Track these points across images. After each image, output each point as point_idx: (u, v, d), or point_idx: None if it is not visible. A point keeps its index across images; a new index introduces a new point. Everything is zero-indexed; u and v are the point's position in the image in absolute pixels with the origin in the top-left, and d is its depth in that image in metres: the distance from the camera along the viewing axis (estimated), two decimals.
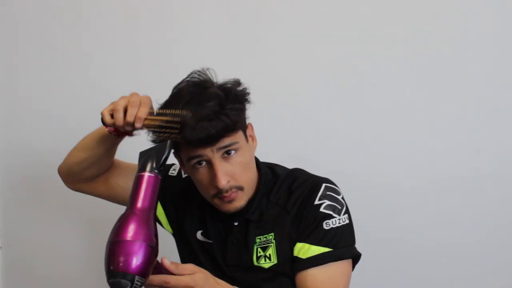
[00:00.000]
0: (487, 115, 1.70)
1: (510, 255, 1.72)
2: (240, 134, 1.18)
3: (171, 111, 1.12)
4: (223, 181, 1.14)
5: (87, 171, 1.32)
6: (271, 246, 1.23)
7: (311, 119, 1.78)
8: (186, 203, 1.34)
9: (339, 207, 1.22)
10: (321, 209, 1.20)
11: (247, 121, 1.23)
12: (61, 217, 1.99)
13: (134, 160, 1.11)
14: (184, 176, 1.37)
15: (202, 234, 1.30)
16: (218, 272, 1.24)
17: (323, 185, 1.23)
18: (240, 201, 1.19)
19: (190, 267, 1.04)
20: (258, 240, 1.24)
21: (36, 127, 1.96)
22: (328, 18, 1.76)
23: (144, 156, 1.05)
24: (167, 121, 1.10)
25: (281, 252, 1.22)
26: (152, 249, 0.96)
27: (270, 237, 1.23)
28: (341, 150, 1.76)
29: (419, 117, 1.73)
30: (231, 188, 1.16)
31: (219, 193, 1.17)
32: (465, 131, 1.71)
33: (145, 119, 1.12)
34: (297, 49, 1.77)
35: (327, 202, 1.21)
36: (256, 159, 1.29)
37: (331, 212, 1.20)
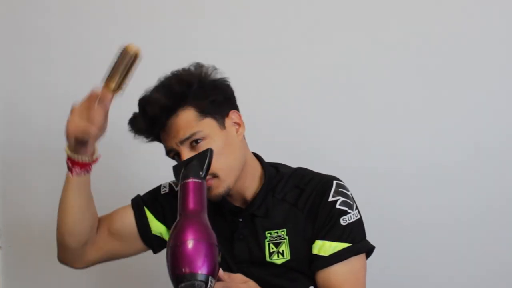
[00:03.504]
0: (488, 115, 1.71)
1: (510, 255, 1.73)
2: (207, 121, 1.19)
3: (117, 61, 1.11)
4: None
5: (82, 234, 1.26)
6: (284, 242, 1.24)
7: (312, 118, 1.78)
8: None
9: (351, 203, 1.25)
10: (337, 206, 1.22)
11: (229, 109, 1.23)
12: None
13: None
14: (177, 189, 1.36)
15: None
16: (225, 271, 1.24)
17: (334, 182, 1.26)
18: (218, 188, 1.19)
19: (241, 276, 1.06)
20: (269, 235, 1.25)
21: (36, 127, 1.96)
22: (329, 18, 1.76)
23: (183, 166, 1.04)
24: (121, 64, 1.09)
25: (294, 248, 1.23)
26: (217, 248, 0.92)
27: (283, 233, 1.24)
28: (341, 150, 1.76)
29: (419, 117, 1.74)
30: None
31: None
32: (465, 131, 1.72)
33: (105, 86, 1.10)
34: (297, 49, 1.78)
35: (342, 199, 1.23)
36: (260, 157, 1.31)
37: (346, 208, 1.23)
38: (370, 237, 1.28)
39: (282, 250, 1.24)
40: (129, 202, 1.36)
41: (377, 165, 1.75)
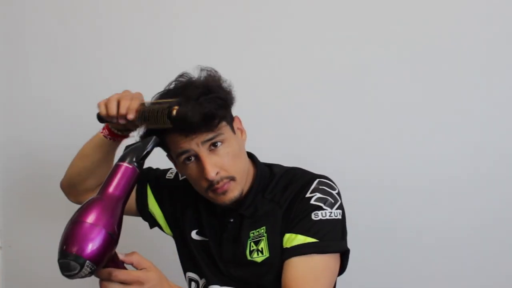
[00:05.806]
0: (487, 115, 1.71)
1: (509, 254, 1.72)
2: (224, 126, 1.19)
3: (162, 101, 1.16)
4: (212, 173, 1.15)
5: (87, 181, 1.34)
6: (263, 239, 1.23)
7: (311, 119, 1.78)
8: (183, 203, 1.35)
9: (332, 201, 1.21)
10: (312, 201, 1.20)
11: (234, 114, 1.25)
12: (61, 217, 1.98)
13: None
14: (181, 178, 1.38)
15: (197, 233, 1.31)
16: (215, 269, 1.25)
17: (317, 180, 1.23)
18: (234, 191, 1.19)
19: (148, 263, 1.01)
20: (252, 234, 1.24)
21: (36, 127, 1.96)
22: (329, 18, 1.76)
23: (128, 148, 1.04)
24: (158, 110, 1.13)
25: (272, 245, 1.22)
26: (111, 237, 0.92)
27: (262, 230, 1.24)
28: (341, 151, 1.76)
29: (419, 118, 1.73)
30: (222, 179, 1.17)
31: (211, 185, 1.17)
32: (465, 131, 1.71)
33: (137, 110, 1.17)
34: (297, 49, 1.78)
35: (318, 195, 1.20)
36: (254, 157, 1.31)
37: (321, 204, 1.19)
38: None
39: (261, 248, 1.22)
40: None
41: (376, 165, 1.75)
